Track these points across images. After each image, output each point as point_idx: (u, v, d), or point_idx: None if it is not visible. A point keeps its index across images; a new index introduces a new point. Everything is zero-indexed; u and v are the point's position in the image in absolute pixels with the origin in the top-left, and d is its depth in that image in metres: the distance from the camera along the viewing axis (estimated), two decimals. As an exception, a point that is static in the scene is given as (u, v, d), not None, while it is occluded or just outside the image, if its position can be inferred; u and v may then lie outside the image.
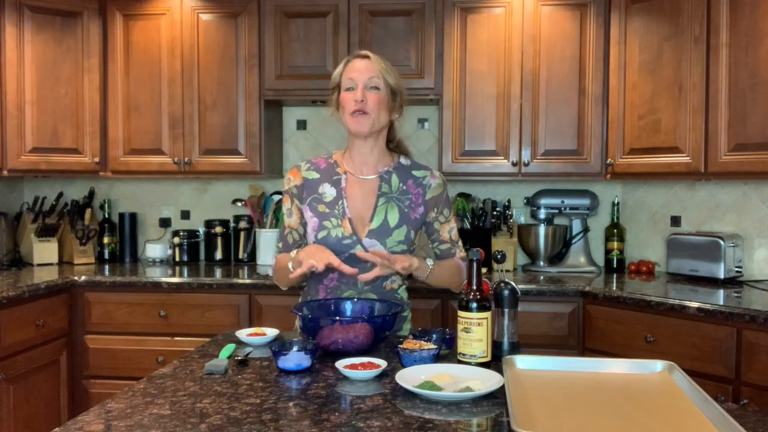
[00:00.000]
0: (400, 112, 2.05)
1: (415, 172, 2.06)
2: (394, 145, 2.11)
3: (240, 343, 1.90)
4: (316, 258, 1.84)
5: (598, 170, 3.29)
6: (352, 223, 1.98)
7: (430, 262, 1.98)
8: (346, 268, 1.86)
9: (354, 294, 1.99)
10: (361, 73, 1.95)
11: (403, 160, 2.08)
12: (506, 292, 1.72)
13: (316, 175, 2.05)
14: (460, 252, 2.11)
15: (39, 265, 3.58)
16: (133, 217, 3.89)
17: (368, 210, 1.99)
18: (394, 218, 1.98)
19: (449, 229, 2.09)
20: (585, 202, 3.46)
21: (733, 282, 3.00)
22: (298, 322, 1.94)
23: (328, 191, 2.02)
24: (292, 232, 2.06)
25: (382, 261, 1.87)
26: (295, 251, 1.99)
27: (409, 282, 2.15)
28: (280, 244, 2.10)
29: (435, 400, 1.40)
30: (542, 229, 3.46)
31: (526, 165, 3.31)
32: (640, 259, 3.49)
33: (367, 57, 1.98)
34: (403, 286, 2.09)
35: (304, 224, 2.05)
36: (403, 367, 1.60)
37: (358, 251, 1.93)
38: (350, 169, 2.05)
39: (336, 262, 1.84)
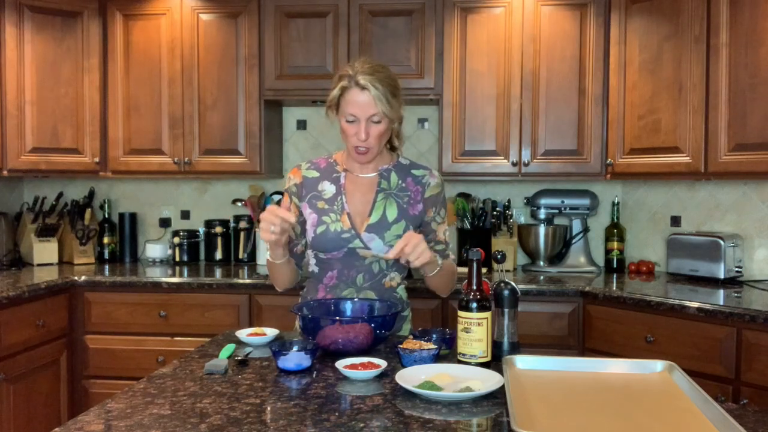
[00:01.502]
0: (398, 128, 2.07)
1: (414, 171, 2.08)
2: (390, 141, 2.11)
3: (240, 343, 1.90)
4: (273, 223, 1.78)
5: (598, 170, 3.29)
6: (350, 218, 1.99)
7: (440, 261, 1.95)
8: (285, 214, 1.79)
9: (353, 291, 2.00)
10: (362, 109, 1.90)
11: (402, 160, 2.10)
12: (506, 292, 1.72)
13: (316, 174, 2.07)
14: (451, 254, 2.11)
15: (39, 265, 3.58)
16: (133, 217, 3.89)
17: (367, 206, 2.01)
18: (392, 213, 2.00)
19: (444, 231, 2.09)
20: (585, 202, 3.46)
21: (733, 282, 3.00)
22: (298, 322, 1.94)
23: (327, 188, 2.04)
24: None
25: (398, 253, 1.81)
26: None
27: (408, 282, 2.15)
28: None
29: (435, 400, 1.40)
30: (542, 229, 3.46)
31: (526, 165, 3.31)
32: (640, 259, 3.49)
33: (365, 89, 1.88)
34: (402, 285, 2.09)
35: (302, 222, 2.05)
36: (403, 367, 1.60)
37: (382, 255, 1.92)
38: (350, 167, 2.06)
39: (282, 213, 1.77)
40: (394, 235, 1.97)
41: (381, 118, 1.93)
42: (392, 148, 2.10)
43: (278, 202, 3.59)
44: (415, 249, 1.78)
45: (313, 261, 2.07)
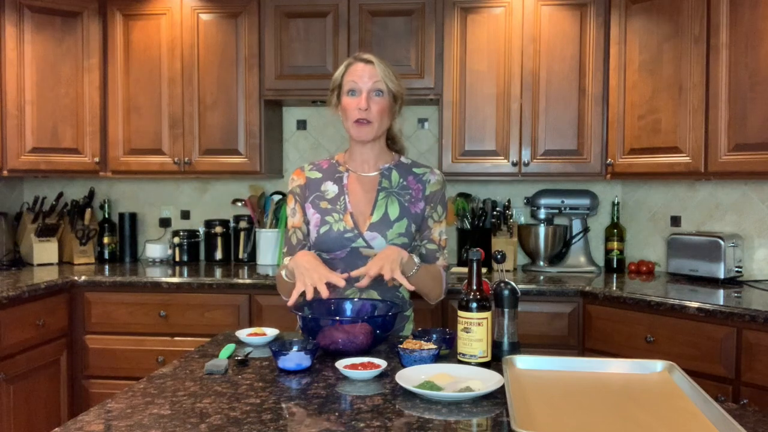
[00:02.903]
0: (398, 114, 2.08)
1: (415, 170, 2.09)
2: (392, 142, 2.13)
3: (240, 343, 1.90)
4: (314, 279, 1.79)
5: (598, 170, 3.29)
6: (353, 218, 2.00)
7: (417, 260, 1.93)
8: (340, 281, 1.81)
9: (356, 291, 1.99)
10: (365, 80, 1.96)
11: (403, 159, 2.11)
12: (506, 292, 1.72)
13: (318, 175, 2.09)
14: (443, 260, 2.08)
15: (39, 265, 3.58)
16: (133, 217, 3.89)
17: (369, 204, 2.02)
18: (394, 211, 2.00)
19: (440, 232, 2.07)
20: (585, 202, 3.46)
21: (733, 282, 3.00)
22: (298, 322, 1.94)
23: (330, 188, 2.05)
24: (296, 232, 2.07)
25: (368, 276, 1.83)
26: (288, 258, 1.99)
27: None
28: (285, 249, 2.10)
29: (435, 400, 1.40)
30: (542, 229, 3.46)
31: (526, 165, 3.31)
32: (640, 259, 3.49)
33: (370, 62, 1.98)
34: None
35: (307, 222, 2.06)
36: (403, 367, 1.60)
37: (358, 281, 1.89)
38: (352, 167, 2.08)
39: (334, 279, 1.80)
40: (396, 233, 1.98)
41: (383, 89, 1.97)
42: (395, 151, 2.12)
43: (278, 203, 3.60)
44: (390, 266, 1.80)
45: None
